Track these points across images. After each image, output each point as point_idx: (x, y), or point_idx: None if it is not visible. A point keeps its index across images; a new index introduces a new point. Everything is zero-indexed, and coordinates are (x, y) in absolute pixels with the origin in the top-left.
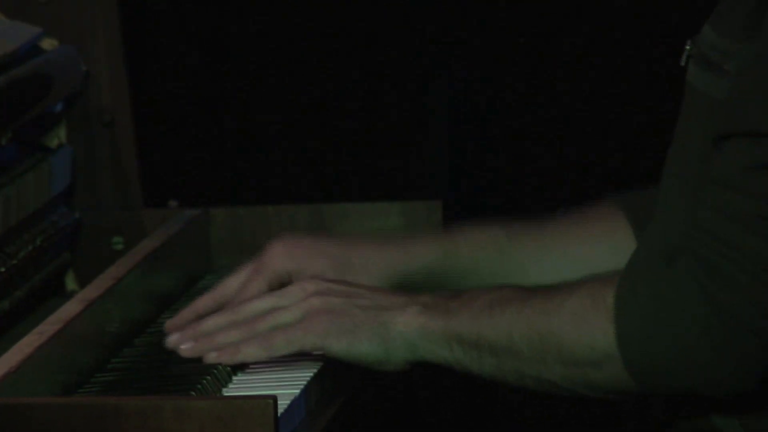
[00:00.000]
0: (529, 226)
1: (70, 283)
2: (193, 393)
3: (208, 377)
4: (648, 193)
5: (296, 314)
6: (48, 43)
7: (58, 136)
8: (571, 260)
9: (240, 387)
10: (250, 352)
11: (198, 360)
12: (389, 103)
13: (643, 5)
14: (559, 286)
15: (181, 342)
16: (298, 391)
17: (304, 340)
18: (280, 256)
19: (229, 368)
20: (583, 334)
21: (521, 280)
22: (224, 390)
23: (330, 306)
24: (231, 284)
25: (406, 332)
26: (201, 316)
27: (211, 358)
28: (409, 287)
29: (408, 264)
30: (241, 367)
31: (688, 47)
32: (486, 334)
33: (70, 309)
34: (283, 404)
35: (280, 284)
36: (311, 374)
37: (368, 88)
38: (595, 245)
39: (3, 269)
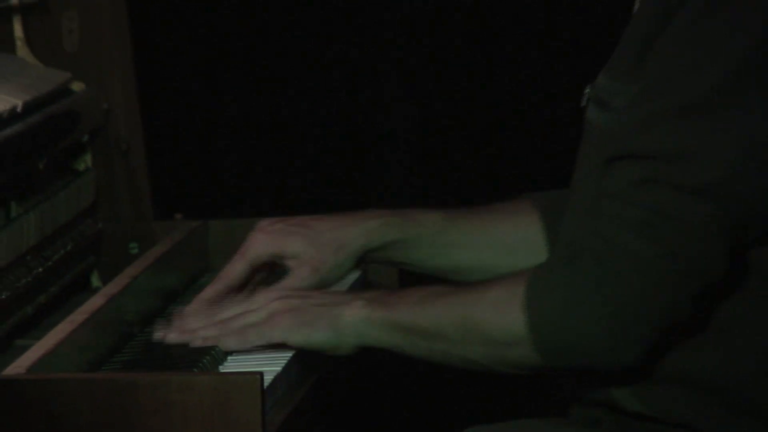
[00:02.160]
0: (463, 212)
1: (95, 280)
2: (195, 370)
3: (208, 357)
4: (558, 194)
5: (263, 314)
6: (76, 86)
7: (85, 161)
8: (491, 242)
9: (233, 365)
10: (228, 344)
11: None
12: (362, 125)
13: (559, 62)
14: (479, 282)
15: (169, 335)
16: (279, 368)
17: (271, 333)
18: (260, 241)
19: (217, 352)
20: (500, 320)
21: (452, 253)
22: (220, 367)
23: (290, 306)
24: (223, 277)
25: (353, 323)
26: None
27: (197, 344)
28: (368, 256)
29: (368, 238)
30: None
31: (587, 91)
32: (419, 322)
33: (95, 302)
34: (267, 379)
35: (261, 264)
36: (290, 355)
37: (349, 113)
38: (511, 233)
39: (40, 269)
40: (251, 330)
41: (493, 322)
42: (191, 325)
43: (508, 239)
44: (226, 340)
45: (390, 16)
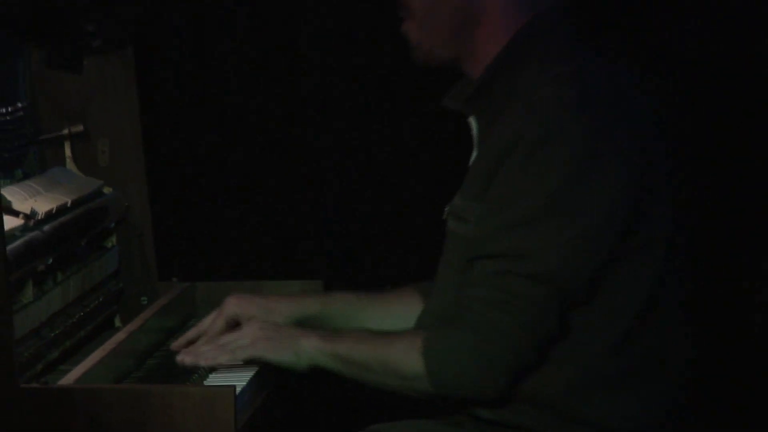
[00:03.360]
0: (370, 294)
1: (117, 322)
2: (188, 383)
3: (196, 375)
4: (430, 284)
5: (248, 339)
6: (106, 189)
7: (111, 241)
8: (388, 316)
9: (213, 381)
10: (222, 359)
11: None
12: (289, 202)
13: (423, 187)
14: (393, 333)
15: (185, 358)
16: (245, 383)
17: (253, 351)
18: (232, 305)
19: (207, 370)
20: (406, 362)
21: (362, 323)
22: (205, 382)
23: (267, 335)
24: (205, 323)
25: (308, 350)
26: (190, 342)
27: (201, 362)
28: (303, 324)
29: (302, 311)
30: (213, 370)
31: (446, 209)
32: (353, 356)
33: (118, 337)
34: (238, 390)
35: (232, 321)
36: (252, 374)
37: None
38: (402, 310)
39: (82, 313)
40: (239, 350)
41: (402, 362)
42: (199, 349)
43: (400, 312)
44: (222, 356)
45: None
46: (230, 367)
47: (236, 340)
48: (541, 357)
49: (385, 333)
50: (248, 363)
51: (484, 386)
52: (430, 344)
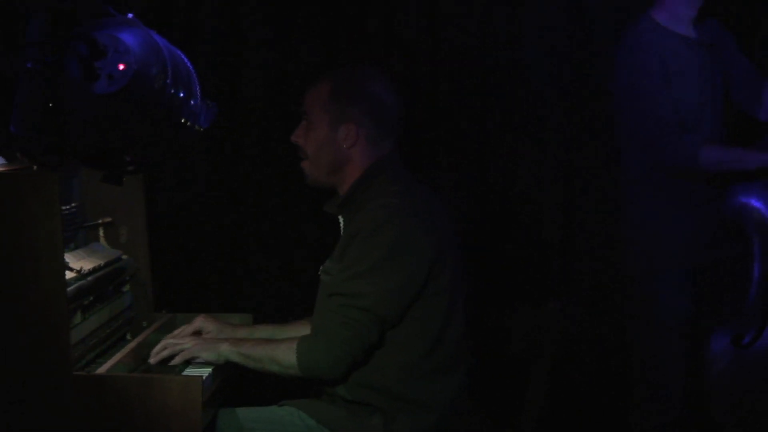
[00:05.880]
0: (285, 323)
1: (129, 336)
2: (173, 374)
3: (178, 368)
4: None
5: (189, 344)
6: (124, 257)
7: (127, 288)
8: (294, 334)
9: (188, 373)
10: (176, 359)
11: (166, 364)
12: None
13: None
14: (279, 339)
15: (153, 359)
16: (207, 374)
17: (193, 352)
18: (200, 321)
19: (182, 365)
20: (287, 357)
21: (276, 338)
22: (183, 373)
23: (199, 342)
24: (176, 331)
25: (224, 351)
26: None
27: (160, 356)
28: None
29: (236, 333)
30: (188, 365)
31: (321, 268)
32: (251, 354)
33: (130, 346)
34: (204, 377)
35: (198, 331)
36: (211, 369)
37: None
38: (302, 330)
39: (108, 330)
40: (185, 351)
41: (283, 358)
42: (160, 353)
43: (301, 332)
44: (177, 357)
45: None
46: (198, 365)
47: (181, 344)
48: (368, 357)
49: (275, 340)
50: (186, 360)
51: (331, 372)
52: (301, 346)
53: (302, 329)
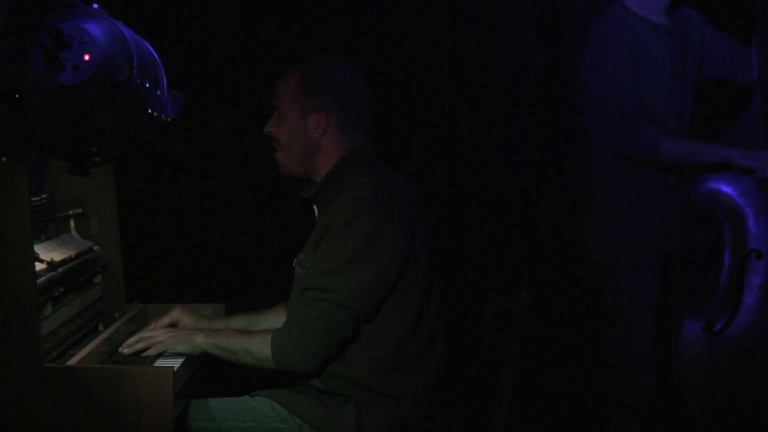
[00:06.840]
0: (260, 311)
1: (100, 328)
2: (144, 365)
3: (149, 360)
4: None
5: (164, 337)
6: (96, 248)
7: (98, 279)
8: (267, 323)
9: (160, 363)
10: (150, 351)
11: (138, 355)
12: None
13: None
14: (255, 331)
15: (124, 351)
16: (179, 365)
17: (165, 345)
18: (176, 313)
19: (155, 356)
20: (261, 350)
21: (251, 327)
22: (155, 364)
23: (174, 335)
24: (151, 324)
25: (198, 343)
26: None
27: (135, 348)
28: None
29: (211, 324)
30: (159, 357)
31: (295, 260)
32: (225, 346)
33: (101, 337)
34: (175, 368)
35: (174, 323)
36: (182, 360)
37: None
38: (275, 319)
39: (80, 322)
40: (159, 345)
41: (258, 350)
42: (135, 345)
43: (274, 320)
44: (151, 350)
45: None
46: (170, 356)
47: (156, 337)
48: (342, 350)
49: (249, 331)
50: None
51: (305, 366)
52: (275, 339)
53: (277, 317)
